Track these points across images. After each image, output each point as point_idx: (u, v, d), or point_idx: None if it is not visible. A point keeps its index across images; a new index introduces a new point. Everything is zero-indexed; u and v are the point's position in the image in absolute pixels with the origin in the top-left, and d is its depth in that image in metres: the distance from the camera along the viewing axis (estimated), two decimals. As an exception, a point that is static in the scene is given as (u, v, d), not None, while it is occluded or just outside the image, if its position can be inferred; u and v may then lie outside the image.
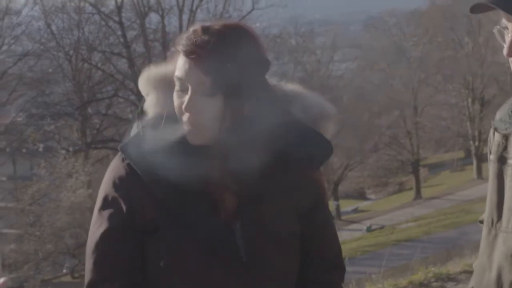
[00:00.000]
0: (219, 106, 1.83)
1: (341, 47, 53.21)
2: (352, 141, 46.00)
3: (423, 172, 50.49)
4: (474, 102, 46.52)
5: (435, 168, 55.71)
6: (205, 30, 1.85)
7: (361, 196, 57.47)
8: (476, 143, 46.15)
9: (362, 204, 53.52)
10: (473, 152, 47.18)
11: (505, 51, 1.93)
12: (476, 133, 46.27)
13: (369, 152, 46.85)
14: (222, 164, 1.87)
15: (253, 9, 38.71)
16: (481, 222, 2.33)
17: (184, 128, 1.86)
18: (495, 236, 2.08)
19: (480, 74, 46.02)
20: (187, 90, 1.83)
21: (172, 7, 37.65)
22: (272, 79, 1.95)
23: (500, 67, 45.67)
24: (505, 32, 1.94)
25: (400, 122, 46.86)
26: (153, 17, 37.71)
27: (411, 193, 46.94)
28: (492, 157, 2.14)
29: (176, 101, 1.87)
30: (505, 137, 2.10)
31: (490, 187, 2.14)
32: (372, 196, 57.52)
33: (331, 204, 44.55)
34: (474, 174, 47.44)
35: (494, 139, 2.15)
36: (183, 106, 1.84)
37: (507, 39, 1.92)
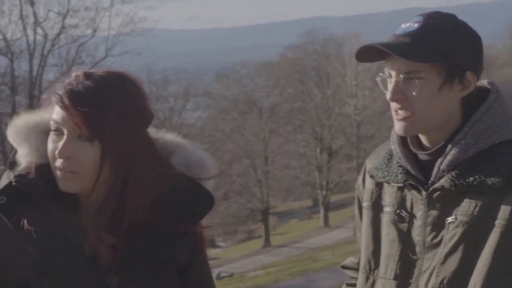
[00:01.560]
0: (96, 154, 1.78)
1: (194, 95, 53.55)
2: (203, 189, 46.11)
3: (272, 220, 51.22)
4: (322, 152, 47.90)
5: (284, 216, 56.64)
6: (87, 76, 1.81)
7: (211, 243, 57.42)
8: (324, 192, 47.39)
9: (211, 252, 53.48)
10: (320, 200, 48.36)
11: (388, 96, 1.99)
12: (324, 183, 47.57)
13: (219, 200, 47.06)
14: (98, 215, 1.81)
15: (106, 55, 38.31)
16: (344, 267, 2.44)
17: (57, 174, 1.79)
18: (373, 283, 2.14)
19: (328, 125, 47.55)
20: (63, 134, 1.78)
21: (22, 51, 36.64)
22: (151, 129, 1.91)
23: (347, 119, 47.48)
24: (388, 79, 2.01)
25: (251, 171, 47.48)
26: (2, 61, 36.53)
27: (260, 241, 47.39)
28: (365, 205, 2.20)
29: (50, 146, 1.81)
30: (379, 185, 2.16)
31: (365, 234, 2.18)
32: (222, 244, 57.65)
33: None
34: (321, 222, 48.61)
35: (366, 187, 2.21)
36: (57, 152, 1.77)
37: (390, 86, 1.99)
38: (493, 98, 2.00)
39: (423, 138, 2.05)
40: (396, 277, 2.06)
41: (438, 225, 1.99)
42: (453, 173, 1.95)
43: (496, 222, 1.90)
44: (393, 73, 1.98)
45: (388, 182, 2.11)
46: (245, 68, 54.20)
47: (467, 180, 1.93)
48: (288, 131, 51.35)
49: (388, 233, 2.10)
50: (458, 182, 1.94)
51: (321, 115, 47.89)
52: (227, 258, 46.64)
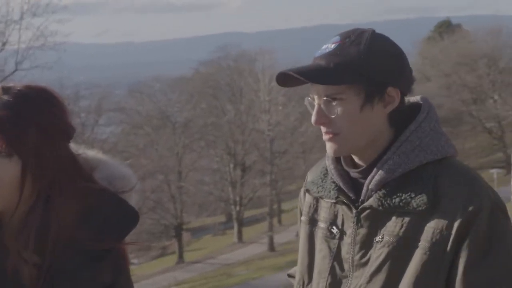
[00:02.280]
0: (16, 170, 1.74)
1: (106, 110, 52.93)
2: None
3: (186, 236, 50.98)
4: (235, 168, 48.02)
5: (198, 232, 56.47)
6: (5, 90, 1.77)
7: (124, 261, 56.69)
8: (237, 207, 47.49)
9: (125, 269, 52.75)
10: (234, 216, 48.44)
11: (312, 120, 1.98)
12: (238, 198, 47.66)
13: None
14: (21, 233, 1.76)
15: (16, 69, 37.49)
16: (290, 275, 2.40)
17: None
18: None
19: (241, 140, 47.73)
20: None
21: None
22: (72, 145, 1.88)
23: (260, 135, 47.76)
24: (313, 102, 1.99)
25: (165, 186, 47.17)
26: None
27: (174, 257, 47.11)
28: (303, 219, 2.19)
29: None
30: (317, 199, 2.15)
31: (301, 248, 2.18)
32: (135, 260, 56.97)
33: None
34: (234, 238, 48.67)
35: (305, 200, 2.20)
36: None
37: (314, 109, 1.98)
38: (422, 117, 1.99)
39: (355, 157, 2.05)
40: None
41: (366, 244, 1.99)
42: (380, 193, 1.95)
43: (420, 244, 1.90)
44: (315, 96, 1.98)
45: (322, 198, 2.12)
46: (159, 83, 54.00)
47: (393, 201, 1.93)
48: (201, 146, 51.31)
49: (320, 249, 2.10)
50: (385, 202, 1.94)
51: (234, 130, 48.05)
52: (141, 274, 46.12)
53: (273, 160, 46.74)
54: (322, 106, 1.96)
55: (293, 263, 2.35)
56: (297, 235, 2.33)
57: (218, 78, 52.44)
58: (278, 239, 45.31)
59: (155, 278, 41.59)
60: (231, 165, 47.99)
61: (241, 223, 48.36)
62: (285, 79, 1.99)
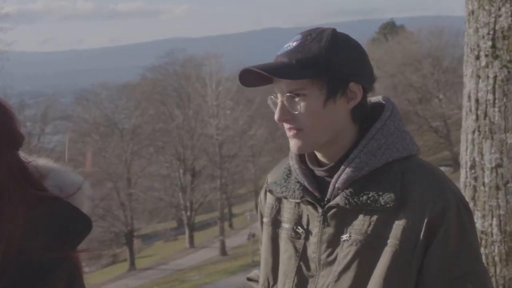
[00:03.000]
0: None
1: (53, 119, 52.32)
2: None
3: (137, 243, 50.66)
4: (185, 173, 47.88)
5: (148, 238, 56.15)
6: None
7: (75, 270, 56.08)
8: (188, 212, 47.35)
9: (76, 279, 52.17)
10: (185, 221, 48.28)
11: (276, 117, 1.98)
12: (188, 203, 47.53)
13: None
14: None
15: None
16: (249, 279, 2.39)
17: None
18: None
19: (190, 146, 47.63)
20: None
21: None
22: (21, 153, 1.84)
23: (209, 140, 47.73)
24: (276, 100, 2.00)
25: (114, 194, 46.80)
26: None
27: (126, 265, 46.75)
28: (265, 220, 2.18)
29: None
30: (279, 200, 2.15)
31: (264, 249, 2.17)
32: (86, 269, 56.37)
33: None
34: (186, 243, 48.52)
35: (266, 202, 2.20)
36: None
37: (278, 106, 1.99)
38: (387, 115, 2.02)
39: (319, 155, 2.05)
40: None
41: (333, 243, 1.99)
42: (347, 191, 1.96)
43: (388, 241, 1.91)
44: (279, 94, 1.98)
45: (286, 198, 2.11)
46: (105, 90, 53.53)
47: (361, 199, 1.94)
48: (150, 152, 51.07)
49: (286, 249, 2.09)
50: (352, 201, 1.95)
51: (183, 135, 47.93)
52: (92, 283, 45.59)
53: (222, 164, 46.73)
54: (285, 102, 1.97)
55: (245, 266, 2.36)
56: (249, 238, 2.34)
57: (165, 83, 52.25)
58: (230, 243, 45.33)
59: (107, 286, 41.21)
60: (181, 171, 47.84)
61: (192, 228, 48.23)
62: (248, 78, 2.00)
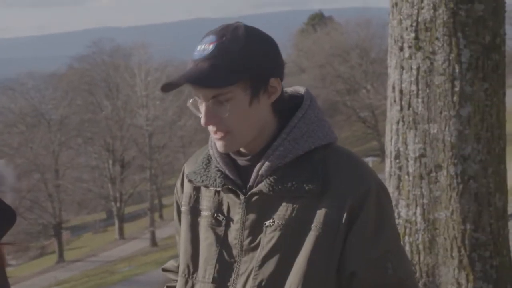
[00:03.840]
0: None
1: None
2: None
3: (65, 235, 49.97)
4: (114, 164, 47.38)
5: (77, 230, 55.40)
6: None
7: None
8: (118, 204, 46.92)
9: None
10: (115, 213, 47.82)
11: (202, 121, 1.98)
12: (118, 194, 47.07)
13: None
14: None
15: None
16: (165, 270, 2.40)
17: None
18: (192, 286, 2.13)
19: (120, 136, 47.14)
20: None
21: None
22: None
23: (139, 130, 47.34)
24: (199, 103, 2.00)
25: (41, 185, 46.01)
26: None
27: (54, 257, 46.06)
28: (183, 209, 2.18)
29: None
30: (197, 189, 2.15)
31: (183, 239, 2.17)
32: (13, 262, 55.30)
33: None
34: (116, 234, 48.09)
35: (184, 191, 2.20)
36: None
37: (202, 109, 1.98)
38: (307, 104, 2.05)
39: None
40: (214, 281, 2.07)
41: (256, 229, 2.02)
42: (271, 178, 1.99)
43: (312, 226, 1.96)
44: (202, 98, 1.98)
45: (206, 186, 2.11)
46: (32, 79, 52.42)
47: (284, 185, 1.98)
48: (79, 143, 50.33)
49: (206, 237, 2.11)
50: (276, 187, 1.98)
51: (112, 126, 47.40)
52: (19, 276, 44.81)
53: (152, 155, 46.43)
54: (209, 107, 1.97)
55: (176, 257, 2.35)
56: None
57: (93, 73, 51.53)
58: (160, 234, 45.10)
59: (35, 279, 40.56)
60: (110, 161, 47.33)
61: (122, 220, 47.80)
62: (169, 86, 1.98)
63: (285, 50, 60.86)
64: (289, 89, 2.12)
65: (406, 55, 3.75)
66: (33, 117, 49.82)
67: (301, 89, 2.12)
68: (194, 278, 2.14)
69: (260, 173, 2.01)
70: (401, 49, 3.77)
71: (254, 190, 2.02)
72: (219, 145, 2.01)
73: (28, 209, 45.82)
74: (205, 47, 1.97)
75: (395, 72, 3.83)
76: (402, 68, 3.77)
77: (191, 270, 2.15)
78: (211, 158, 2.12)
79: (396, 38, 3.80)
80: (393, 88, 3.85)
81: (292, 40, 63.84)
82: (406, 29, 3.74)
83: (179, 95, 46.46)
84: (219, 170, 2.08)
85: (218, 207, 2.10)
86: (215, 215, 2.09)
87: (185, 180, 2.20)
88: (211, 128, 2.01)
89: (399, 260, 2.02)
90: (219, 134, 2.00)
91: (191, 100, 2.04)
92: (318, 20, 65.97)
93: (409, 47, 3.73)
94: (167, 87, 1.98)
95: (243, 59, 1.95)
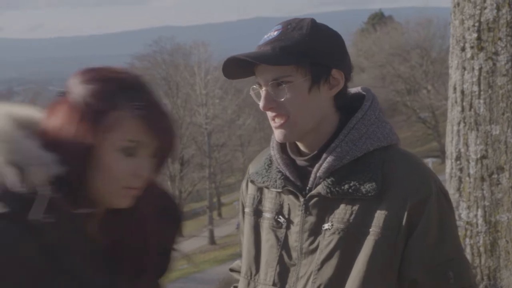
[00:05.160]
0: None
1: (41, 106, 52.14)
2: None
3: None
4: (174, 162, 47.78)
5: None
6: None
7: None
8: (177, 202, 47.24)
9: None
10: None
11: (261, 105, 2.01)
12: (177, 192, 47.47)
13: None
14: None
15: None
16: (232, 270, 2.43)
17: None
18: None
19: (179, 134, 47.45)
20: None
21: None
22: None
23: (198, 128, 47.68)
24: (260, 90, 2.02)
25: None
26: None
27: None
28: (247, 210, 2.21)
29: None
30: (260, 190, 2.18)
31: (246, 240, 2.19)
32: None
33: None
34: (174, 232, 48.47)
35: (248, 192, 2.22)
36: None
37: (262, 94, 2.01)
38: (367, 105, 2.04)
39: (300, 145, 2.08)
40: (274, 283, 2.09)
41: (315, 231, 2.02)
42: (329, 180, 1.99)
43: (370, 229, 1.95)
44: (262, 83, 2.00)
45: (267, 188, 2.14)
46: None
47: (342, 188, 1.97)
48: (139, 141, 50.95)
49: (267, 239, 2.12)
50: (334, 190, 1.98)
51: (172, 124, 47.78)
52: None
53: (211, 154, 46.70)
54: (270, 91, 1.99)
55: (234, 256, 2.39)
56: (238, 227, 2.36)
57: (153, 72, 52.02)
58: (219, 232, 45.34)
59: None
60: (169, 160, 47.66)
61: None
62: (231, 69, 2.02)
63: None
64: (353, 89, 2.12)
65: (468, 55, 3.71)
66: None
67: (363, 90, 2.12)
68: (256, 280, 2.15)
69: (318, 175, 2.02)
70: (463, 49, 3.73)
71: (313, 192, 2.02)
72: (277, 133, 2.02)
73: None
74: (270, 34, 2.01)
75: (456, 73, 3.79)
76: (464, 68, 3.73)
77: (253, 272, 2.16)
78: (272, 159, 2.14)
79: (458, 38, 3.76)
80: (455, 89, 3.81)
81: (352, 40, 63.43)
82: (468, 29, 3.69)
83: (238, 94, 46.68)
84: (279, 171, 2.09)
85: (279, 209, 2.11)
86: (276, 217, 2.11)
87: (249, 181, 2.22)
88: (270, 114, 2.02)
89: (461, 267, 2.01)
90: (278, 121, 2.01)
91: (253, 87, 2.06)
92: (378, 19, 65.46)
93: (471, 47, 3.69)
94: (228, 66, 2.01)
95: (304, 44, 1.97)
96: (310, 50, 1.97)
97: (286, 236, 2.08)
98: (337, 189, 1.98)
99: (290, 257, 2.07)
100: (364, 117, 2.03)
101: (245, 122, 47.68)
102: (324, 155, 2.00)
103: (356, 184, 1.96)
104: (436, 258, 1.96)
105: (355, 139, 1.99)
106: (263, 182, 2.14)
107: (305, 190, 2.05)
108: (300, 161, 2.08)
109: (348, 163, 1.99)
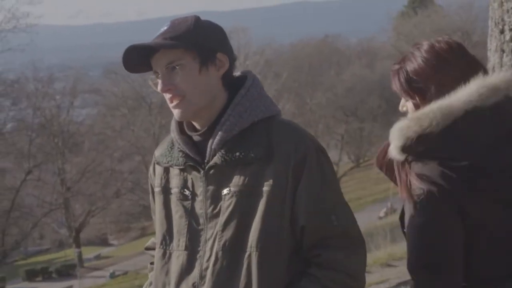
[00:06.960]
0: None
1: (81, 92, 52.66)
2: (94, 187, 45.34)
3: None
4: (212, 147, 47.95)
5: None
6: None
7: (104, 242, 56.65)
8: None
9: (105, 250, 52.76)
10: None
11: (159, 88, 2.31)
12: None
13: (112, 198, 46.51)
14: None
15: (-12, 52, 37.14)
16: (147, 248, 2.71)
17: None
18: (169, 256, 2.43)
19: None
20: None
21: None
22: None
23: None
24: (157, 78, 2.32)
25: (142, 167, 47.07)
26: None
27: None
28: (157, 190, 2.49)
29: None
30: (166, 170, 2.46)
31: (158, 215, 2.48)
32: (115, 242, 56.93)
33: (73, 252, 43.40)
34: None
35: (155, 174, 2.51)
36: None
37: (160, 79, 2.31)
38: (249, 83, 2.36)
39: (196, 123, 2.38)
40: (186, 248, 2.37)
41: (216, 198, 2.32)
42: (222, 151, 2.29)
43: (263, 188, 2.25)
44: (159, 70, 2.31)
45: (172, 166, 2.42)
46: (133, 63, 53.50)
47: (234, 155, 2.27)
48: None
49: (176, 211, 2.41)
50: (228, 158, 2.28)
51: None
52: (121, 256, 46.20)
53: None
54: (166, 75, 2.30)
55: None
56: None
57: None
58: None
59: (136, 259, 41.67)
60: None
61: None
62: (131, 63, 2.33)
63: (385, 33, 60.13)
64: (237, 73, 2.43)
65: (507, 37, 3.68)
66: (135, 100, 51.04)
67: (245, 72, 2.44)
68: (170, 248, 2.43)
69: (213, 147, 2.31)
70: (502, 31, 3.71)
71: (211, 163, 2.31)
72: (176, 113, 2.33)
73: (129, 191, 47.06)
74: (161, 30, 2.33)
75: (495, 55, 3.77)
76: (503, 51, 3.71)
77: (168, 242, 2.44)
78: (174, 141, 2.42)
79: (497, 20, 3.74)
80: (493, 71, 3.79)
81: (392, 24, 62.89)
82: (508, 11, 3.67)
83: (277, 79, 46.62)
84: (181, 150, 2.38)
85: (184, 184, 2.40)
86: (182, 190, 2.40)
87: (156, 164, 2.51)
88: (167, 96, 2.32)
89: (342, 212, 2.30)
90: (175, 101, 2.31)
91: (151, 78, 2.36)
92: (419, 2, 64.77)
93: (510, 29, 3.66)
94: (127, 58, 2.31)
95: (189, 33, 2.29)
96: (196, 36, 2.30)
97: (192, 206, 2.38)
98: (230, 157, 2.28)
99: (197, 223, 2.36)
100: (247, 93, 2.34)
101: (284, 107, 47.64)
102: (216, 129, 2.31)
103: (246, 150, 2.27)
104: (320, 205, 2.26)
105: (241, 112, 2.30)
106: (168, 162, 2.43)
107: (204, 163, 2.34)
108: (196, 137, 2.38)
109: (238, 133, 2.29)
